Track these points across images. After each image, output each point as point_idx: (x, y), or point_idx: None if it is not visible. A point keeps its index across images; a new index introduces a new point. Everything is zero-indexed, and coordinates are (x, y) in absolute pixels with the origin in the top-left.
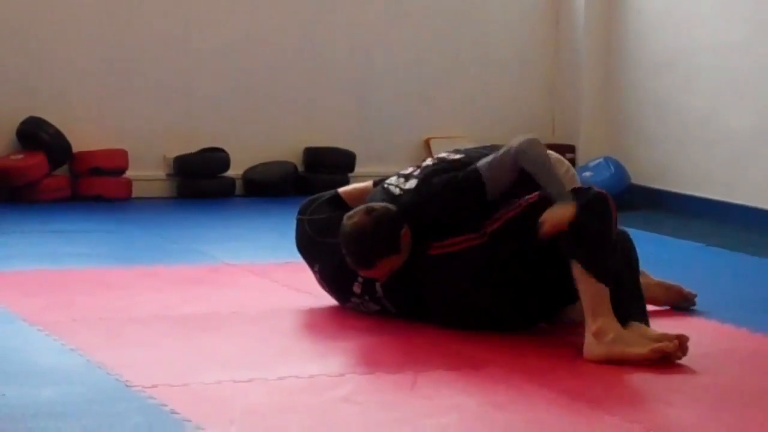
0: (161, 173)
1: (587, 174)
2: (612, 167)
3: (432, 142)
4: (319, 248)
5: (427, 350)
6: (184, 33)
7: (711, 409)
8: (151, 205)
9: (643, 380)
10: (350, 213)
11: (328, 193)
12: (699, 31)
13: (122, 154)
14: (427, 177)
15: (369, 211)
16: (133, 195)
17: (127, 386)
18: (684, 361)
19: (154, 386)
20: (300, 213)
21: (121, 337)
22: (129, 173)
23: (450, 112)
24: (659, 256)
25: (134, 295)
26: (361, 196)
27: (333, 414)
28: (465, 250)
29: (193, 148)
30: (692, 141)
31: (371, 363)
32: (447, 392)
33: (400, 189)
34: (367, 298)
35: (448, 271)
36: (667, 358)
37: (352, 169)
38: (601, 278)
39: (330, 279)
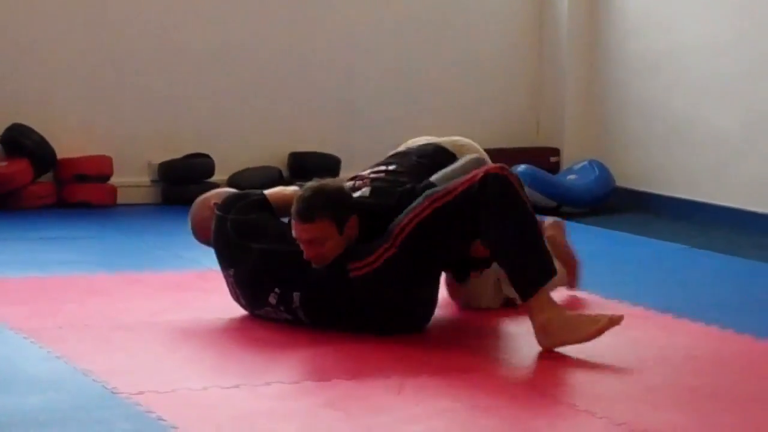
0: (146, 179)
1: (572, 177)
2: (597, 170)
3: None
4: (238, 251)
5: (412, 355)
6: (168, 39)
7: (697, 411)
8: (136, 211)
9: (628, 383)
10: None
11: (254, 194)
12: (683, 33)
13: (107, 161)
14: (378, 189)
15: (330, 180)
16: (119, 201)
17: (113, 393)
18: (668, 363)
19: (140, 393)
20: (222, 209)
21: (107, 343)
22: (114, 180)
23: (434, 116)
24: (644, 258)
25: (120, 302)
26: (288, 200)
27: (320, 419)
28: (381, 266)
29: (177, 154)
30: (677, 143)
31: (358, 368)
32: (434, 397)
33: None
34: (282, 308)
35: (371, 291)
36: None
37: (337, 174)
38: (535, 284)
39: (245, 284)
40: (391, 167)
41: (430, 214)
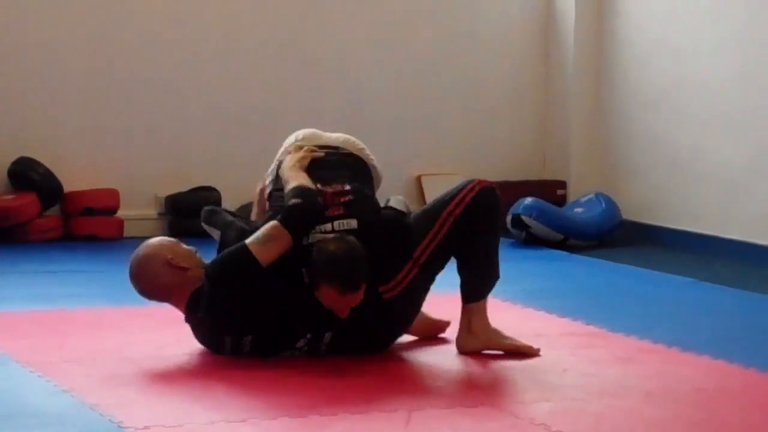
0: (153, 212)
1: (579, 210)
2: (603, 203)
3: (423, 179)
4: (253, 317)
5: (418, 388)
6: (175, 73)
7: None
8: None
9: (634, 417)
10: (323, 242)
11: (241, 263)
12: (689, 66)
13: (113, 194)
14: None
15: (347, 238)
16: (125, 234)
17: (120, 427)
18: (674, 396)
19: (146, 428)
20: (216, 277)
21: (114, 377)
22: (121, 213)
23: (441, 149)
24: (651, 291)
25: (127, 336)
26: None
27: None
28: (408, 285)
29: (184, 187)
30: (683, 176)
31: (364, 401)
32: (441, 430)
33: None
34: (306, 349)
35: (404, 309)
36: (526, 354)
37: None
38: (487, 291)
39: (268, 344)
40: (347, 187)
41: (447, 231)
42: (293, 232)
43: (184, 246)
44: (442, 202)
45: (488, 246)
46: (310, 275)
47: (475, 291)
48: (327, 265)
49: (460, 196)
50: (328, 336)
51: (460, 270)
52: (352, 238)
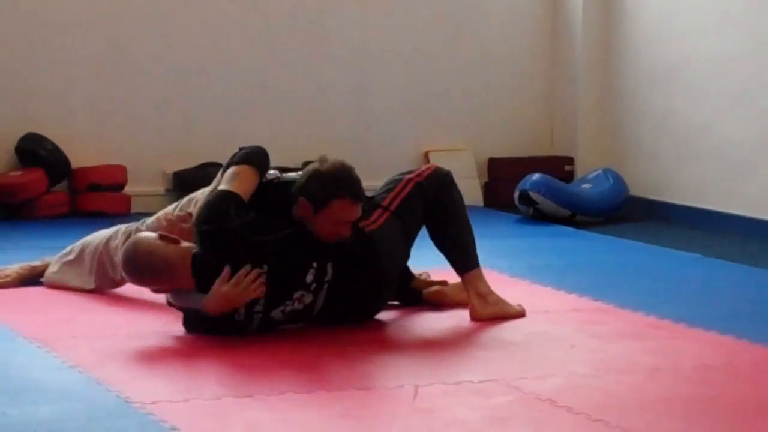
0: (160, 188)
1: (586, 186)
2: (611, 179)
3: (431, 155)
4: (264, 247)
5: (425, 364)
6: (183, 48)
7: (710, 421)
8: None
9: (641, 393)
10: (313, 168)
11: (228, 199)
12: (696, 43)
13: (121, 170)
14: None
15: (332, 159)
16: (133, 210)
17: (127, 403)
18: (682, 372)
19: (154, 403)
20: (210, 223)
21: (121, 353)
22: (128, 189)
23: (449, 125)
24: (658, 267)
25: (134, 311)
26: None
27: (334, 429)
28: (383, 225)
29: (191, 163)
30: (690, 152)
31: (370, 377)
32: (448, 406)
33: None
34: (314, 287)
35: (384, 243)
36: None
37: None
38: (477, 259)
39: (283, 271)
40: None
41: (410, 190)
42: (255, 166)
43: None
44: (403, 174)
45: (464, 219)
46: (313, 199)
47: (469, 258)
48: (335, 180)
49: (418, 170)
50: (330, 268)
51: (442, 245)
52: (333, 158)
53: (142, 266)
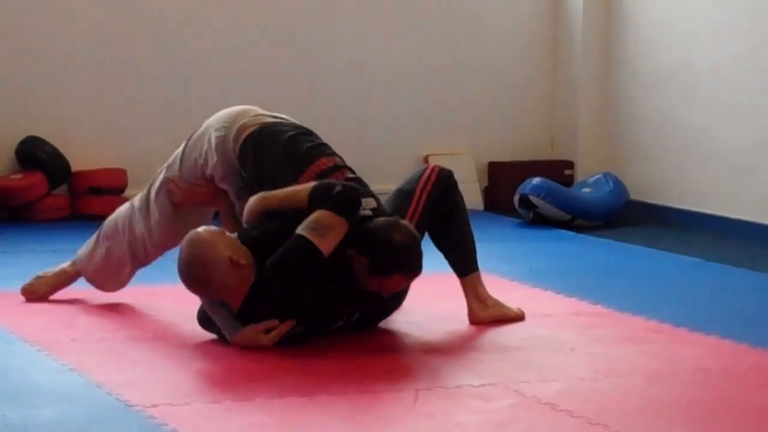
0: None
1: (586, 190)
2: (611, 183)
3: (431, 159)
4: (308, 314)
5: (425, 367)
6: (184, 51)
7: (710, 425)
8: None
9: (642, 397)
10: (383, 230)
11: (309, 265)
12: (697, 48)
13: (121, 174)
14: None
15: (403, 225)
16: None
17: (127, 406)
18: (682, 376)
19: (154, 406)
20: (289, 285)
21: (121, 356)
22: (128, 192)
23: (449, 129)
24: (658, 271)
25: (134, 315)
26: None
27: None
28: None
29: None
30: (691, 156)
31: (370, 381)
32: (448, 410)
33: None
34: (334, 329)
35: None
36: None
37: None
38: (476, 262)
39: (316, 329)
40: (342, 163)
41: (423, 207)
42: (348, 218)
43: (229, 235)
44: (411, 182)
45: (462, 218)
46: (375, 265)
47: (470, 261)
48: (400, 255)
49: (425, 177)
50: (357, 314)
51: (444, 246)
52: (405, 222)
53: (199, 278)
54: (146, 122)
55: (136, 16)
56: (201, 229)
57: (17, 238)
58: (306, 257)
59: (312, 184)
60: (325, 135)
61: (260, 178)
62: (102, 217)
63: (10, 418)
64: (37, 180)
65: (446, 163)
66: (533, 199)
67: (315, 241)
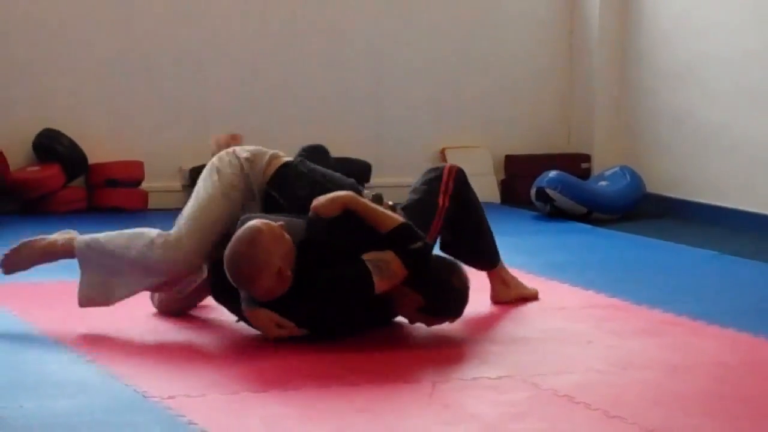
0: (177, 184)
1: (603, 183)
2: (628, 176)
3: (447, 152)
4: (337, 326)
5: (441, 359)
6: (200, 45)
7: (726, 418)
8: (167, 216)
9: (658, 389)
10: (446, 272)
11: (365, 296)
12: (714, 41)
13: (138, 166)
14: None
15: (460, 270)
16: (149, 206)
17: (144, 397)
18: (699, 369)
19: (171, 397)
20: (338, 312)
21: (138, 348)
22: (145, 185)
23: (466, 122)
24: (674, 264)
25: (151, 306)
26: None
27: (351, 423)
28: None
29: (208, 159)
30: (708, 150)
31: (386, 372)
32: (465, 402)
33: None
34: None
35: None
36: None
37: (368, 180)
38: (499, 255)
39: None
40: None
41: (443, 221)
42: (412, 272)
43: (287, 238)
44: (431, 191)
45: (481, 215)
46: (430, 306)
47: (494, 255)
48: (456, 303)
49: (443, 184)
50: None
51: (465, 244)
52: (461, 268)
53: (241, 275)
54: (163, 115)
55: (153, 9)
56: (264, 226)
57: (34, 230)
58: (359, 288)
59: (402, 220)
60: (342, 129)
61: (299, 201)
62: (119, 210)
63: (27, 409)
64: (54, 172)
65: (463, 156)
66: (550, 192)
67: (375, 278)
